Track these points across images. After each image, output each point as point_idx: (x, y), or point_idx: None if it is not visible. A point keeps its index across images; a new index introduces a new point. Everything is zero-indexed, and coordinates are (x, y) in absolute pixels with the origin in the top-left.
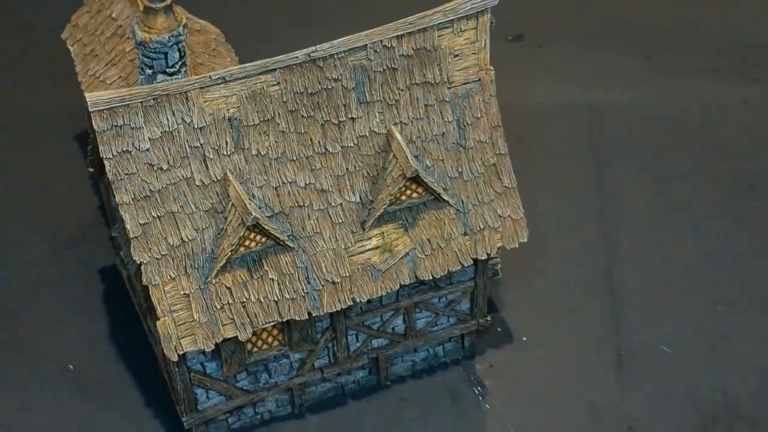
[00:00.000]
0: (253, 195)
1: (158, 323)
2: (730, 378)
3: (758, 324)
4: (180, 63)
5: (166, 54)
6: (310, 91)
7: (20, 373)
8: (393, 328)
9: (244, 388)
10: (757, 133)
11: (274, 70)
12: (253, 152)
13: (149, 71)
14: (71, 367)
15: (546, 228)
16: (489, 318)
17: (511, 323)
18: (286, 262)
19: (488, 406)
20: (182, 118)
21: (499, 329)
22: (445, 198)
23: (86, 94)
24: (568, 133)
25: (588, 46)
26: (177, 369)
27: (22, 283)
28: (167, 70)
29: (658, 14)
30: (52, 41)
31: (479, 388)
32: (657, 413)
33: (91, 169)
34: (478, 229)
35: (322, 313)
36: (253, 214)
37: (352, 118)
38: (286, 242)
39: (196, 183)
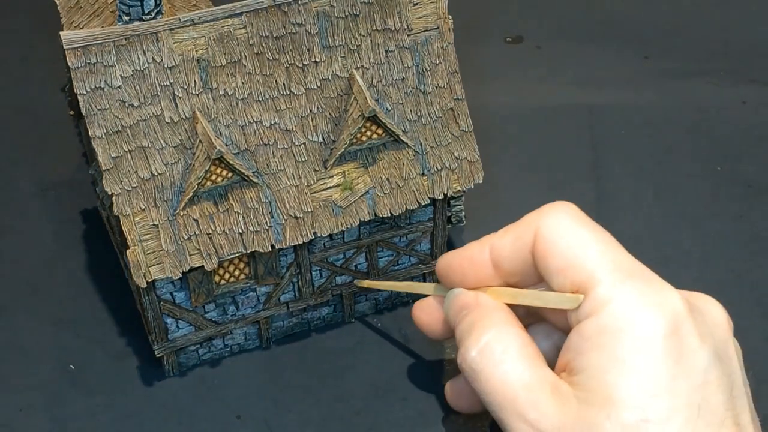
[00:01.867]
0: (220, 133)
1: (128, 252)
2: None
3: (758, 324)
4: (156, 11)
5: (142, 1)
6: (275, 35)
7: (20, 373)
8: (356, 266)
9: (213, 319)
10: (756, 133)
11: (241, 13)
12: (221, 92)
13: (126, 18)
14: (72, 367)
15: None
16: None
17: None
18: (251, 197)
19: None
20: (152, 58)
21: None
22: (404, 140)
23: (61, 33)
24: (568, 133)
25: (588, 47)
26: (147, 298)
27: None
28: (143, 17)
29: (658, 15)
30: None
31: None
32: None
33: (71, 112)
34: (436, 170)
35: (284, 246)
36: (218, 147)
37: (316, 62)
38: (251, 178)
39: (166, 120)
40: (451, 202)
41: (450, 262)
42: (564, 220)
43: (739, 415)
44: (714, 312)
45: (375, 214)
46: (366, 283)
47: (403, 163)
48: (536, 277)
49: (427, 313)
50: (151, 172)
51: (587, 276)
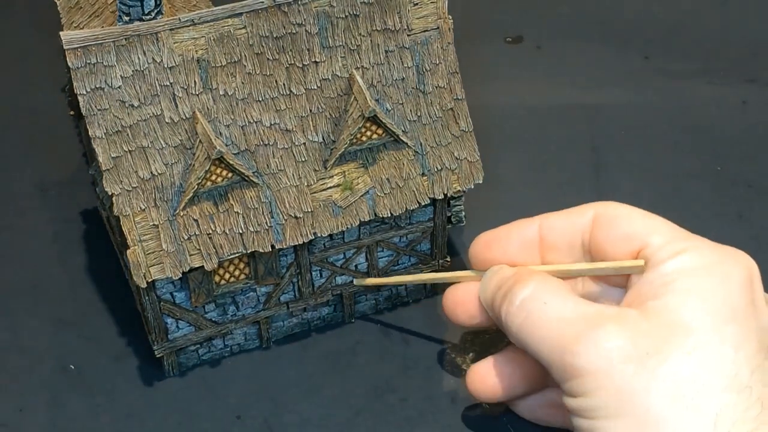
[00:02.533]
0: (220, 133)
1: (128, 252)
2: None
3: None
4: (156, 11)
5: (142, 1)
6: (275, 35)
7: (20, 373)
8: (356, 266)
9: (213, 319)
10: (756, 133)
11: (241, 14)
12: (221, 92)
13: (126, 18)
14: (72, 367)
15: None
16: (449, 259)
17: None
18: (251, 197)
19: (487, 406)
20: (153, 58)
21: (496, 328)
22: (404, 140)
23: (61, 33)
24: (568, 133)
25: (588, 47)
26: (147, 298)
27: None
28: (143, 17)
29: (658, 15)
30: None
31: None
32: None
33: (71, 112)
34: (436, 170)
35: (284, 246)
36: (218, 147)
37: (316, 62)
38: (251, 178)
39: (166, 120)
40: (451, 202)
41: (490, 236)
42: (621, 204)
43: None
44: None
45: (375, 214)
46: (383, 280)
47: (403, 163)
48: (577, 255)
49: (460, 300)
50: (151, 172)
51: (657, 238)
